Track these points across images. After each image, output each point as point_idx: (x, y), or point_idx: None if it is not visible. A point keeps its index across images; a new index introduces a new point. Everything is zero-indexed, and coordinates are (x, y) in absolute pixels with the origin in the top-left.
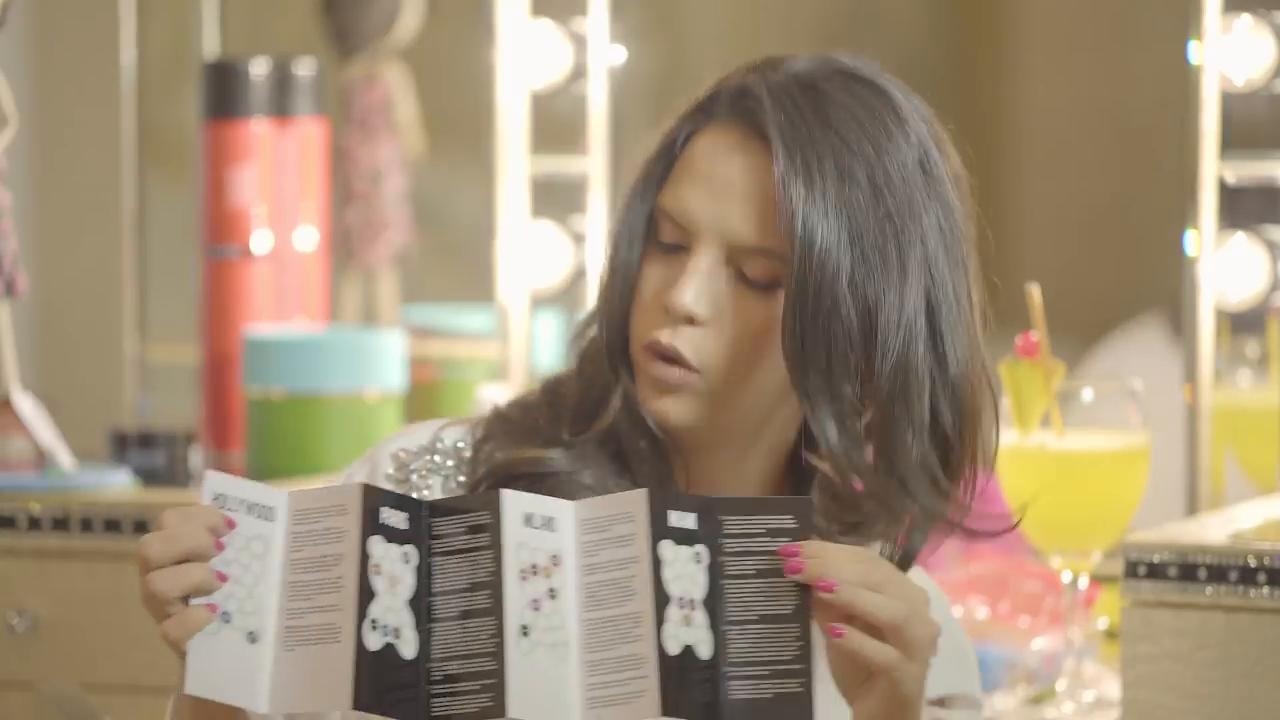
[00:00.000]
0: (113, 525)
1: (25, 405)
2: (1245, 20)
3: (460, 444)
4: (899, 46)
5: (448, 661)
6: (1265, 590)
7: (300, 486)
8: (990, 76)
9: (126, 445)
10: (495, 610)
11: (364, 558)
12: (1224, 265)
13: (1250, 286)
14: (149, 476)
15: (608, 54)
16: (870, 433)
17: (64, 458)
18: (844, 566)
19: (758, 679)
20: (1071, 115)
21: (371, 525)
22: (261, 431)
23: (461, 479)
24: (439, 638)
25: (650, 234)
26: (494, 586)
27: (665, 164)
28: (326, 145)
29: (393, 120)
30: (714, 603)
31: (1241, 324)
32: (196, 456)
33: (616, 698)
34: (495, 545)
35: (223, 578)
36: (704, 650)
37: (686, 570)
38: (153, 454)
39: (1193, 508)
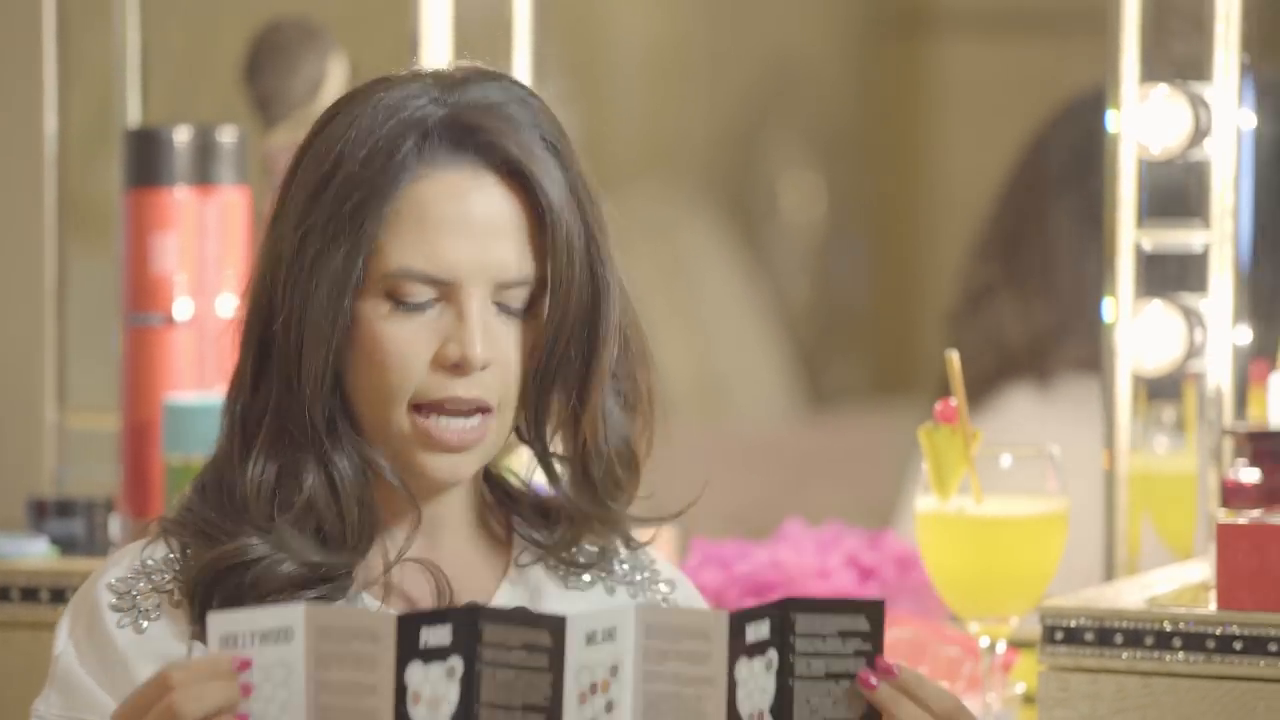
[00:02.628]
0: (30, 594)
1: None
2: (1162, 89)
3: (171, 555)
4: (823, 112)
5: None
6: (1181, 655)
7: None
8: (913, 143)
9: (45, 513)
10: None
11: (400, 689)
12: (1141, 332)
13: (1167, 353)
14: (67, 545)
15: None
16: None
17: None
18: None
19: None
20: (992, 180)
21: (409, 651)
22: None
23: (177, 595)
24: None
25: (359, 291)
26: (551, 712)
27: (373, 220)
28: (249, 213)
29: None
30: (780, 707)
31: (1158, 390)
32: (116, 524)
33: None
34: (555, 669)
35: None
36: None
37: (759, 684)
38: (71, 522)
39: (1110, 573)
